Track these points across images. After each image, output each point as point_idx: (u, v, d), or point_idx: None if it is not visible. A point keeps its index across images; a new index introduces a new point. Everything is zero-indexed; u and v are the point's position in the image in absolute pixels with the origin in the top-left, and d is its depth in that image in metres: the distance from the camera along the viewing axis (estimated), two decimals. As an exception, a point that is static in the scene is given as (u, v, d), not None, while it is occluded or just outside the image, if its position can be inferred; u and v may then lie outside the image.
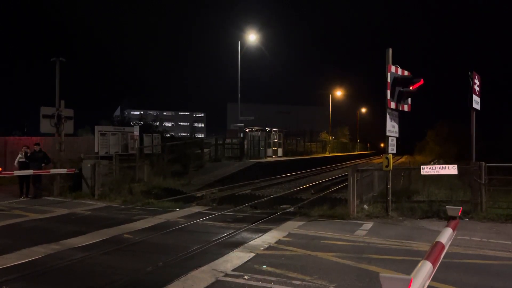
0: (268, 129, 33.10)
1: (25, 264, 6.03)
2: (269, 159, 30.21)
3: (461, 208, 3.78)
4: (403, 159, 49.57)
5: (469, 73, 9.91)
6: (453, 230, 3.35)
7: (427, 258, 2.39)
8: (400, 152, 10.33)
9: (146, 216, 10.18)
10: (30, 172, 13.63)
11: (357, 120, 78.03)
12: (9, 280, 5.27)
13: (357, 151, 70.18)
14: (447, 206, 3.77)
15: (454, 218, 3.61)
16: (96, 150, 18.90)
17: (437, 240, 2.89)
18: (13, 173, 13.41)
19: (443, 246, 2.80)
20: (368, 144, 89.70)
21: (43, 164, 14.15)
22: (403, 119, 10.17)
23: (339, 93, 61.62)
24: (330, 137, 57.48)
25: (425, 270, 2.19)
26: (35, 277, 5.45)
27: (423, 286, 2.12)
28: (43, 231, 8.49)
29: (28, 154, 14.25)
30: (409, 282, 1.75)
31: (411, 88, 9.62)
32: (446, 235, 3.05)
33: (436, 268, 2.52)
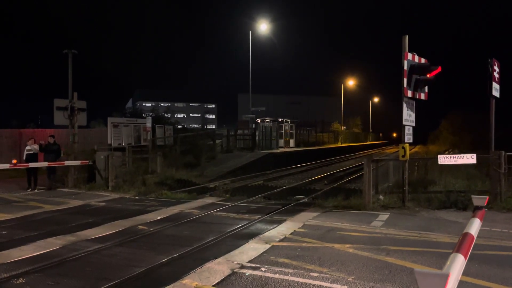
0: (280, 119, 32.87)
1: (41, 255, 6.04)
2: (281, 149, 30.07)
3: (487, 197, 3.64)
4: (416, 148, 48.90)
5: (489, 60, 9.62)
6: (480, 220, 3.21)
7: (458, 251, 2.26)
8: (413, 141, 10.12)
9: (160, 208, 10.17)
10: (44, 164, 13.74)
11: (370, 109, 77.22)
12: (25, 271, 5.27)
13: (370, 141, 69.53)
14: (472, 196, 3.63)
15: (479, 208, 3.47)
16: (109, 142, 18.97)
17: (465, 231, 2.75)
18: (28, 165, 13.51)
19: (473, 238, 2.67)
20: (381, 134, 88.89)
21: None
22: (416, 109, 9.94)
23: (351, 82, 60.89)
24: (342, 127, 57.01)
25: (458, 263, 2.07)
26: (51, 269, 5.45)
27: (457, 281, 2.00)
28: (58, 222, 8.53)
29: (43, 146, 14.35)
30: (447, 278, 1.63)
31: (428, 76, 9.39)
32: (474, 226, 2.92)
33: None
